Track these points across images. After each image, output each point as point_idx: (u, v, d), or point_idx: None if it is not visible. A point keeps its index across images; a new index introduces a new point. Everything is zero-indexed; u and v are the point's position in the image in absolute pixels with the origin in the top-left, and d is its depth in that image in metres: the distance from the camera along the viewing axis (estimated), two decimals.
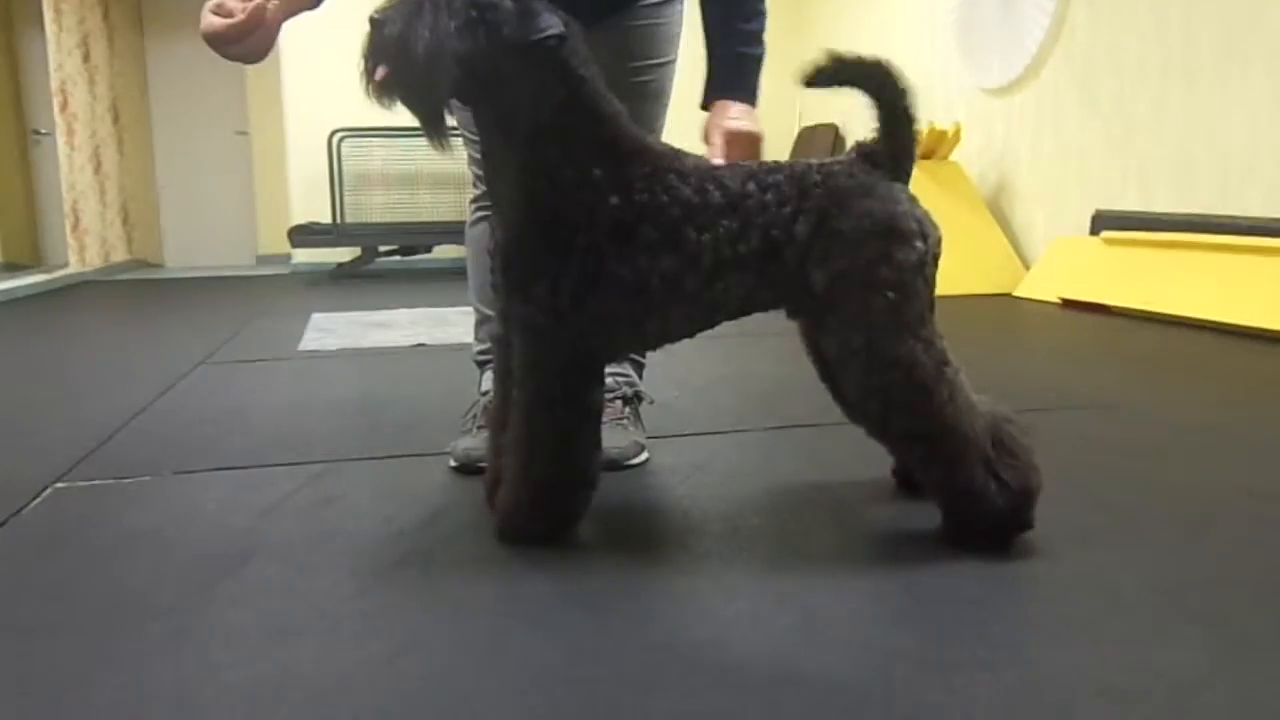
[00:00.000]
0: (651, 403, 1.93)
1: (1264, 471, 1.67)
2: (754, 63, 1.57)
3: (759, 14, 1.58)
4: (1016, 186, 4.97)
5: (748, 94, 1.55)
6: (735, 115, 1.52)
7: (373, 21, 1.22)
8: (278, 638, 1.08)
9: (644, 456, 1.77)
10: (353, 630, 1.10)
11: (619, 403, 1.82)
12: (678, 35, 1.76)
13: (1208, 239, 3.58)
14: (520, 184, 1.31)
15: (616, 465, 1.70)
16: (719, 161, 1.43)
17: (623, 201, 1.28)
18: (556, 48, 1.26)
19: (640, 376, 1.93)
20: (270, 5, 1.33)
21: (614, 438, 1.69)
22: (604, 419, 1.69)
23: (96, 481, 1.71)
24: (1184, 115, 3.87)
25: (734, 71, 1.56)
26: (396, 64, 1.20)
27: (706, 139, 1.53)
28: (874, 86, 1.30)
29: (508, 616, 1.13)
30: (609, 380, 1.78)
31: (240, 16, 1.31)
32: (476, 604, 1.17)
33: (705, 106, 1.56)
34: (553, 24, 1.24)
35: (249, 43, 1.34)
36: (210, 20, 1.32)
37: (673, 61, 1.77)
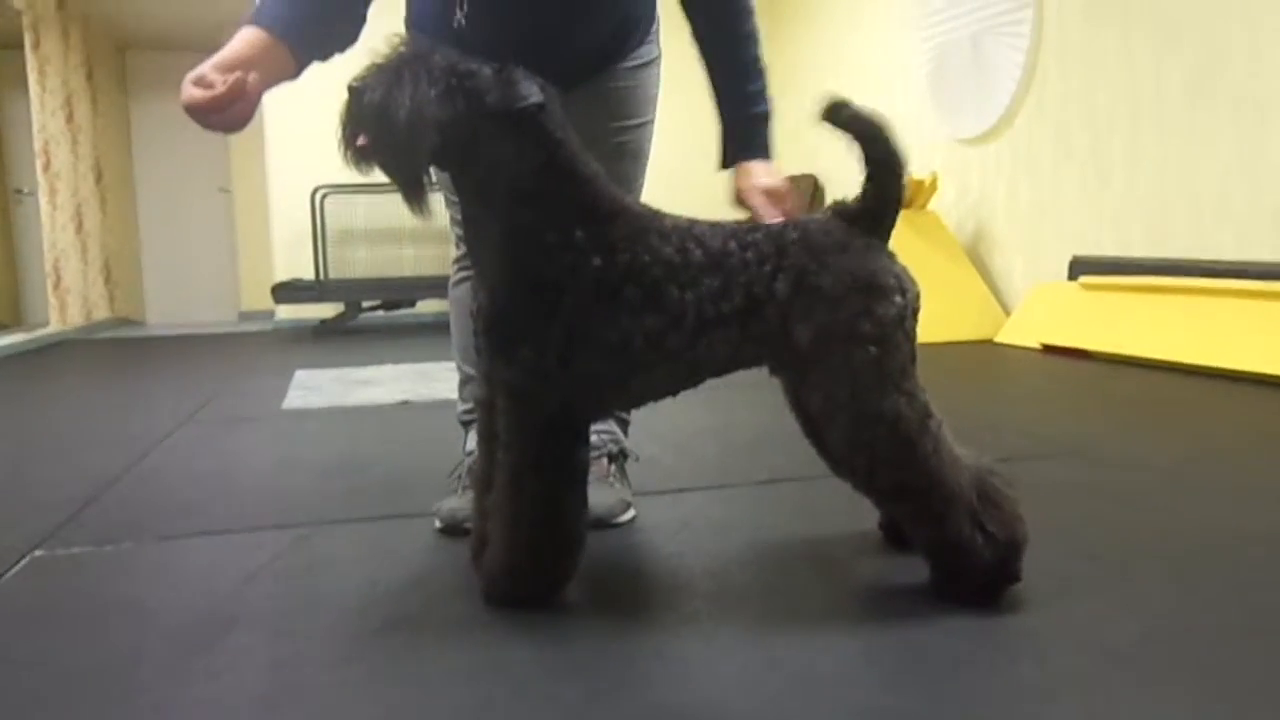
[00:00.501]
0: (637, 459, 1.93)
1: (1248, 515, 1.68)
2: (765, 120, 1.65)
3: (761, 72, 1.66)
4: (994, 234, 5.04)
5: (766, 152, 1.64)
6: (764, 174, 1.60)
7: (351, 89, 1.23)
8: (259, 710, 1.06)
9: (630, 514, 1.76)
10: (336, 699, 1.08)
11: (604, 460, 1.81)
12: (655, 97, 1.79)
13: (1183, 282, 3.63)
14: (502, 248, 1.32)
15: (603, 524, 1.68)
16: (770, 219, 1.51)
17: (605, 262, 1.29)
18: (536, 114, 1.27)
19: (625, 433, 1.92)
20: (250, 78, 1.34)
21: (600, 496, 1.68)
22: (590, 477, 1.69)
23: (77, 549, 1.69)
24: (1156, 161, 3.94)
25: (750, 133, 1.64)
26: (377, 131, 1.21)
27: (740, 200, 1.61)
28: (870, 141, 1.33)
29: (495, 684, 1.12)
30: (594, 438, 1.78)
31: (220, 89, 1.32)
32: (463, 671, 1.15)
33: (725, 167, 1.63)
34: (532, 92, 1.26)
35: (229, 114, 1.35)
36: (190, 92, 1.33)
37: (650, 122, 1.79)
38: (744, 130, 1.64)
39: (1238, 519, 1.66)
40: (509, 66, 1.28)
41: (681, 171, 6.77)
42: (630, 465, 1.89)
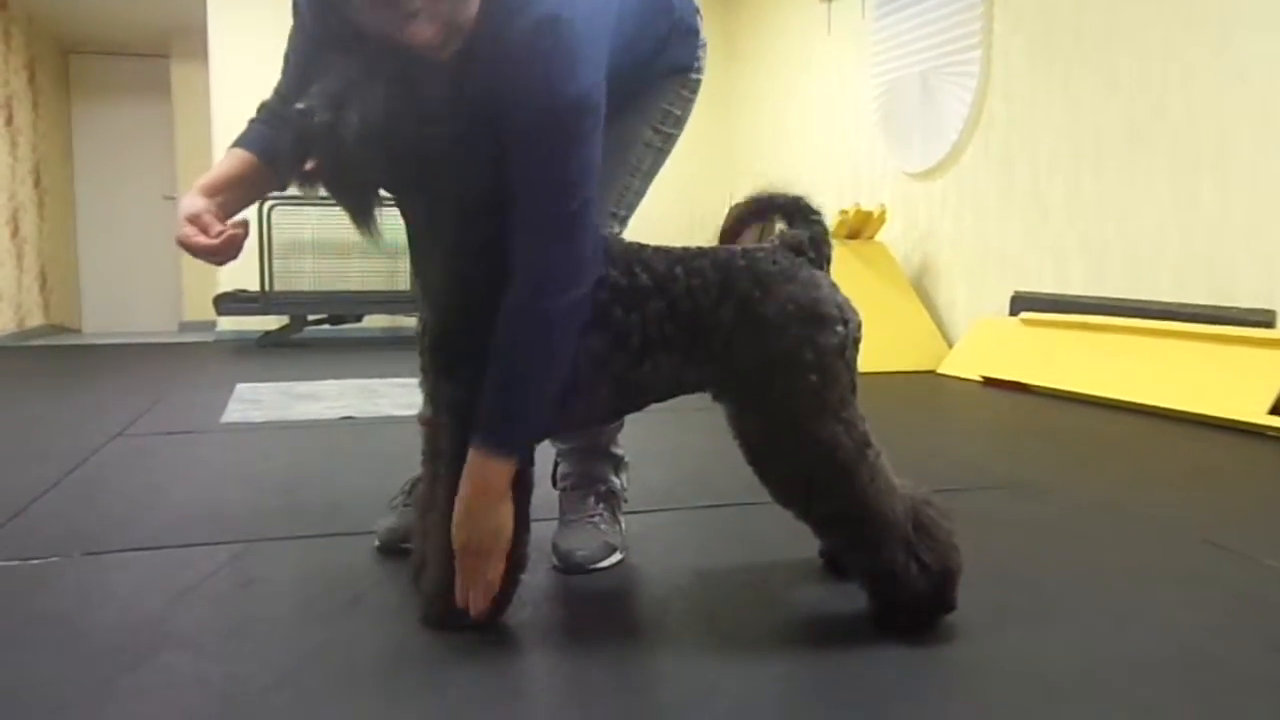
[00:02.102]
0: (625, 501, 1.79)
1: (1178, 552, 1.72)
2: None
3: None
4: (939, 267, 5.13)
5: None
6: None
7: (299, 112, 1.18)
8: None
9: (616, 558, 1.65)
10: None
11: (591, 500, 1.71)
12: (683, 119, 1.69)
13: (1120, 322, 3.73)
14: (447, 268, 1.31)
15: (579, 569, 1.58)
16: None
17: None
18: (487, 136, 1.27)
19: (618, 473, 1.77)
20: (240, 230, 1.37)
21: (579, 539, 1.62)
22: (574, 516, 1.67)
23: (1, 563, 1.64)
24: (1095, 202, 4.05)
25: None
26: (325, 155, 1.18)
27: None
28: (791, 214, 1.42)
29: (434, 707, 1.10)
30: (574, 478, 1.73)
31: (217, 242, 1.35)
32: (399, 694, 1.14)
33: None
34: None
35: (223, 254, 1.38)
36: (186, 234, 1.35)
37: (673, 139, 1.69)
38: None
39: (1168, 557, 1.70)
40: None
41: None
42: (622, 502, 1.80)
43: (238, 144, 1.47)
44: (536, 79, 1.19)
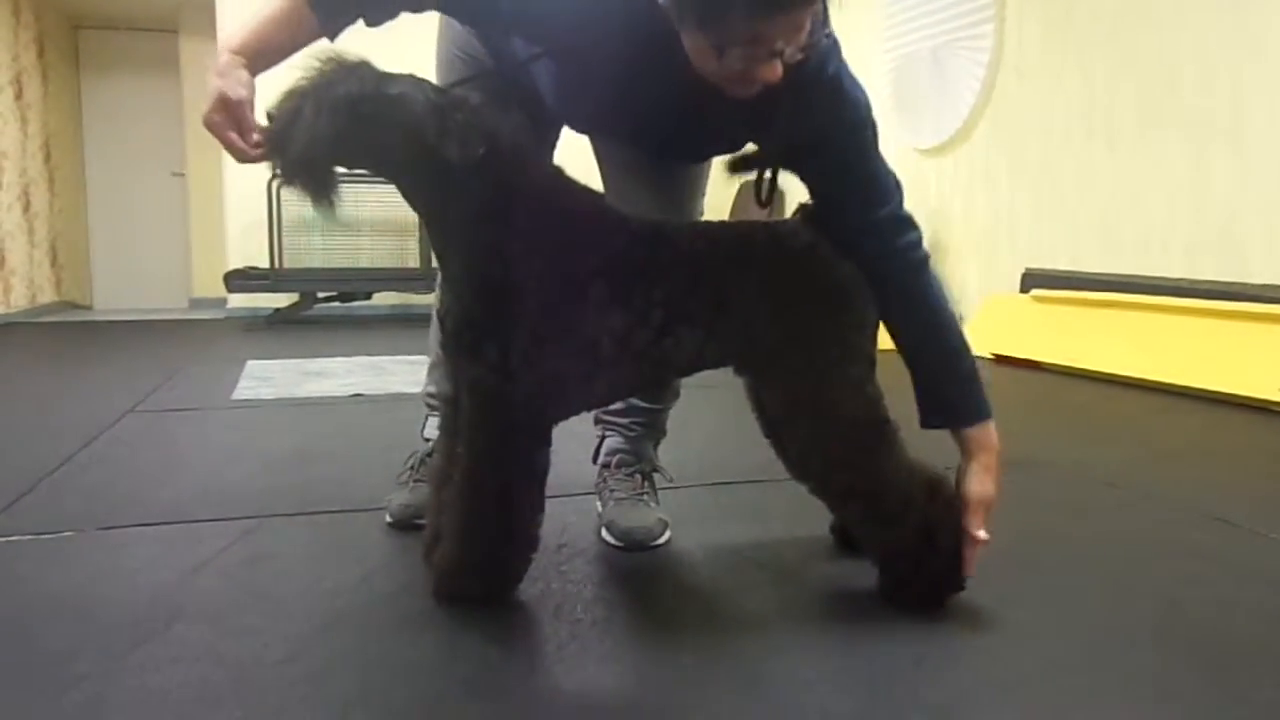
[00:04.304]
0: (670, 480, 1.84)
1: (1186, 529, 1.72)
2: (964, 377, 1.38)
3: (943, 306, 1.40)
4: (950, 244, 5.11)
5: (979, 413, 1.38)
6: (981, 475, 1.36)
7: (268, 115, 1.21)
8: (201, 706, 1.04)
9: (668, 535, 1.65)
10: (280, 699, 1.07)
11: (638, 477, 1.73)
12: None
13: (1131, 299, 3.71)
14: (466, 261, 1.30)
15: (642, 546, 1.59)
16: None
17: (574, 263, 1.28)
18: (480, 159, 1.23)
19: (656, 449, 1.82)
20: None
21: (639, 516, 1.62)
22: (624, 494, 1.68)
23: (15, 537, 1.65)
24: (1108, 179, 4.02)
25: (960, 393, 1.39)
26: (279, 159, 1.19)
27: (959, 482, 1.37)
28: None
29: (445, 681, 1.11)
30: (622, 454, 1.74)
31: (254, 153, 1.26)
32: (411, 668, 1.14)
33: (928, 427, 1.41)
34: (467, 150, 1.20)
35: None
36: (221, 130, 1.24)
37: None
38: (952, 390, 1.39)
39: (1177, 533, 1.70)
40: (450, 99, 1.24)
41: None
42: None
43: None
44: (859, 102, 1.36)
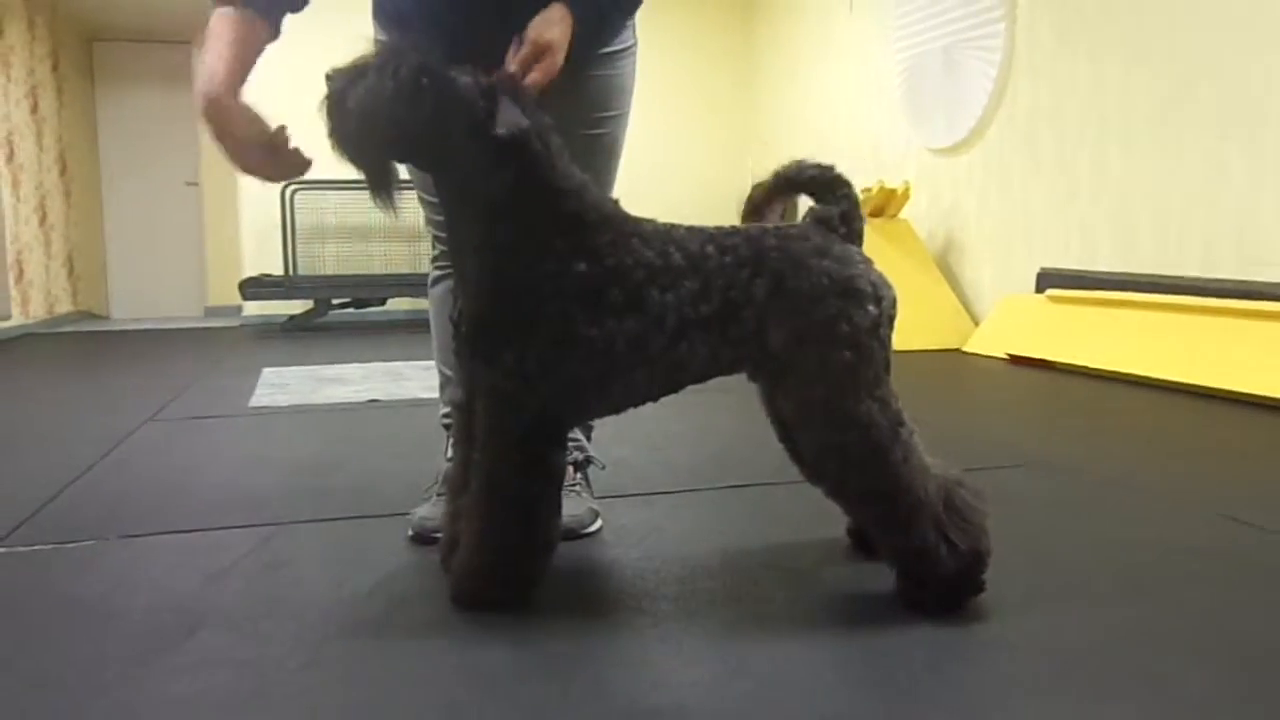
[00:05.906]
0: (603, 468, 1.91)
1: (1199, 529, 1.71)
2: None
3: None
4: (964, 244, 5.09)
5: None
6: (541, 23, 1.41)
7: (326, 77, 1.25)
8: (223, 712, 1.05)
9: (598, 524, 1.73)
10: (302, 703, 1.07)
11: (570, 468, 1.77)
12: (631, 89, 1.75)
13: (1147, 298, 3.69)
14: (483, 261, 1.31)
15: (572, 534, 1.63)
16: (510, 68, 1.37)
17: (589, 268, 1.29)
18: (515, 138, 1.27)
19: (589, 439, 1.90)
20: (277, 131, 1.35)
21: (569, 505, 1.65)
22: None
23: (38, 546, 1.66)
24: (1123, 177, 4.00)
25: None
26: (333, 121, 1.23)
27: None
28: (821, 187, 1.41)
29: (464, 686, 1.12)
30: None
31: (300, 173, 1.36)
32: (431, 673, 1.15)
33: None
34: (513, 120, 1.25)
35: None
36: (265, 173, 1.35)
37: (625, 114, 1.75)
38: None
39: (1190, 533, 1.69)
40: (495, 82, 1.28)
41: (659, 168, 6.80)
42: (599, 469, 1.89)
43: (214, 5, 1.36)
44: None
